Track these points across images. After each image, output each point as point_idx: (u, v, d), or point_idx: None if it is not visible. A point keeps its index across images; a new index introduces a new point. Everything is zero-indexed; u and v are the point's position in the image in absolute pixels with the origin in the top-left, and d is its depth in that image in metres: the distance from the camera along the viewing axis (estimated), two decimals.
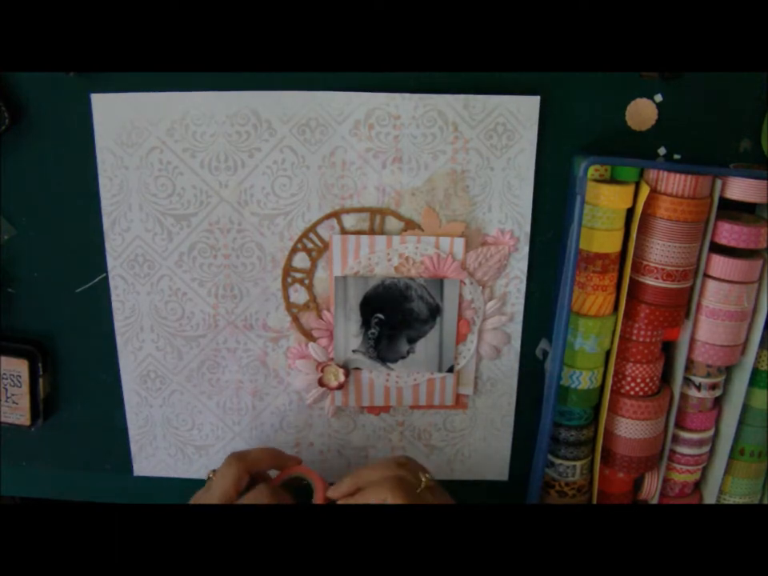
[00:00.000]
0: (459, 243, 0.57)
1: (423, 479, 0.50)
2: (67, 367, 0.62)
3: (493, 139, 0.55)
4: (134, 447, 0.64)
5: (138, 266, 0.58)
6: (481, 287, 0.58)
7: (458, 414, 0.63)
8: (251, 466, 0.52)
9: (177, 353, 0.61)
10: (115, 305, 0.59)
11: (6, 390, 0.61)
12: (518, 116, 0.54)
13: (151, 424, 0.63)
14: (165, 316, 0.59)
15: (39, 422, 0.62)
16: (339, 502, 0.51)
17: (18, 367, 0.60)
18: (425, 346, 0.59)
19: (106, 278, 0.58)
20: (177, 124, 0.54)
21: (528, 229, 0.57)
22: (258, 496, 0.50)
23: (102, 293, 0.59)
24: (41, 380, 0.61)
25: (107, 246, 0.58)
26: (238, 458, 0.52)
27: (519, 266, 0.58)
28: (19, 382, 0.60)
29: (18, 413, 0.61)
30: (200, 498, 0.52)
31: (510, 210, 0.56)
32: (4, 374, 0.60)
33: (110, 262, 0.58)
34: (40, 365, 0.61)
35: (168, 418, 0.63)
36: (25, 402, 0.61)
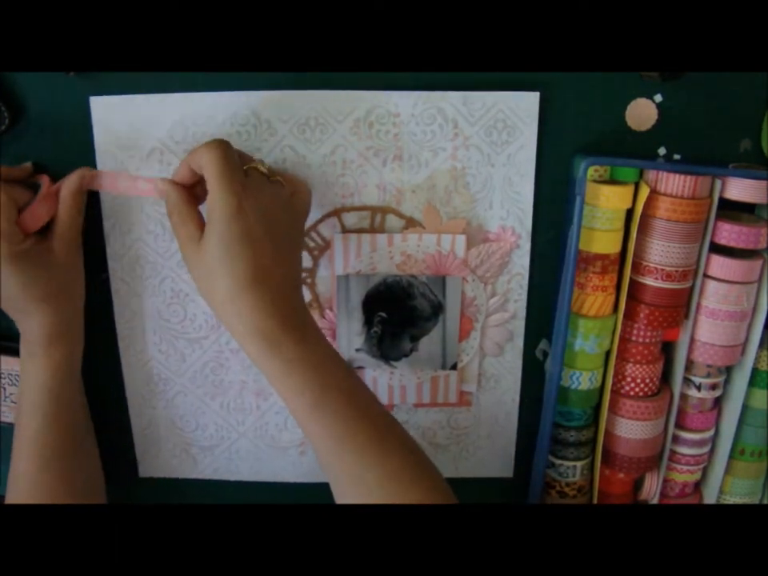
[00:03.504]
0: (461, 240, 0.57)
1: (254, 165, 0.48)
2: None
3: (493, 136, 0.55)
4: (138, 449, 0.64)
5: (140, 268, 0.58)
6: (483, 284, 0.58)
7: (462, 412, 0.63)
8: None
9: (180, 355, 0.61)
10: (117, 308, 0.59)
11: (5, 389, 0.60)
12: (517, 112, 0.54)
13: (155, 426, 0.63)
14: (167, 318, 0.59)
15: None
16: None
17: (17, 366, 0.60)
18: (428, 344, 0.59)
19: (107, 278, 0.58)
20: (177, 125, 0.54)
21: (530, 225, 0.57)
22: None
23: (102, 293, 0.59)
24: None
25: (108, 249, 0.57)
26: None
27: (521, 262, 0.58)
28: (18, 381, 0.60)
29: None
30: None
31: (511, 206, 0.56)
32: (3, 373, 0.60)
33: (111, 264, 0.58)
34: None
35: (172, 420, 0.63)
36: None
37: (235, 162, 0.46)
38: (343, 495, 0.47)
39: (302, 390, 0.45)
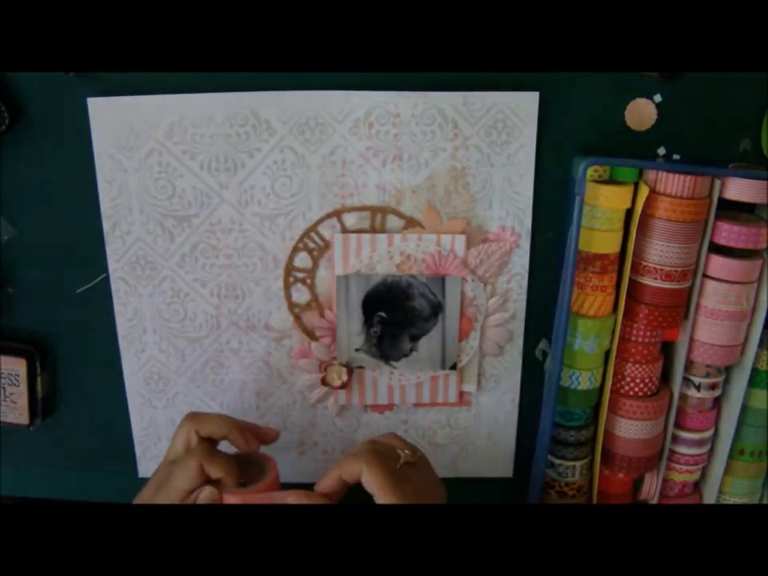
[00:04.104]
0: (460, 240, 0.57)
1: (402, 455, 0.49)
2: (67, 367, 0.62)
3: (492, 136, 0.55)
4: (138, 449, 0.64)
5: (140, 268, 0.58)
6: (483, 284, 0.58)
7: (462, 412, 0.63)
8: (202, 427, 0.50)
9: (180, 354, 0.61)
10: (117, 308, 0.59)
11: (5, 389, 0.61)
12: (517, 112, 0.54)
13: (155, 425, 0.63)
14: (167, 318, 0.59)
15: (38, 421, 0.62)
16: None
17: (16, 366, 0.60)
18: (427, 344, 0.59)
19: (107, 278, 0.58)
20: (175, 126, 0.54)
21: (529, 225, 0.57)
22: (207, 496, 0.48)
23: (103, 293, 0.59)
24: (39, 379, 0.61)
25: (108, 248, 0.57)
26: (190, 417, 0.51)
27: (521, 262, 0.58)
28: (17, 381, 0.60)
29: (17, 412, 0.61)
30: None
31: (510, 206, 0.56)
32: (2, 373, 0.60)
33: (112, 264, 0.58)
34: (38, 364, 0.61)
35: (172, 420, 0.63)
36: (23, 401, 0.61)
37: (393, 472, 0.47)
38: None
39: None
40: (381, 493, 0.46)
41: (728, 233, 0.54)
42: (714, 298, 0.56)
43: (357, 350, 0.60)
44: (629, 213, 0.55)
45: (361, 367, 0.60)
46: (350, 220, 0.57)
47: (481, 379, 0.61)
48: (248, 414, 0.62)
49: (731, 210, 0.55)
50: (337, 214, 0.57)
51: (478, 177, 0.56)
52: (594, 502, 0.63)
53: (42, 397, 0.62)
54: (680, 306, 0.56)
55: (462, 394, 0.62)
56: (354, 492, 0.63)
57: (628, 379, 0.59)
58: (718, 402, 0.61)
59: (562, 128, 0.55)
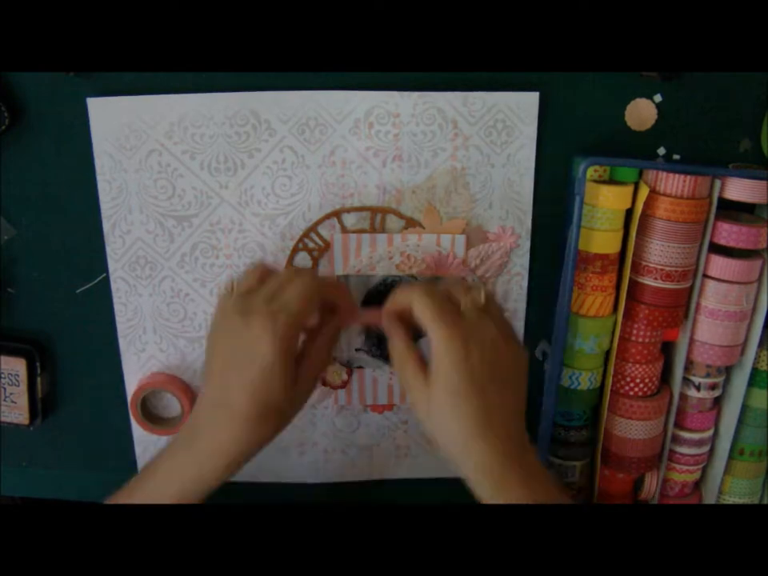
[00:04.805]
0: (460, 240, 0.57)
1: (471, 296, 0.47)
2: (67, 367, 0.62)
3: (492, 136, 0.55)
4: (138, 448, 0.64)
5: (140, 267, 0.58)
6: (483, 284, 0.58)
7: None
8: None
9: (180, 354, 0.61)
10: (117, 307, 0.59)
11: (5, 389, 0.61)
12: (517, 112, 0.54)
13: None
14: (167, 317, 0.59)
15: (38, 421, 0.62)
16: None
17: (16, 366, 0.60)
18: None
19: (107, 278, 0.58)
20: (175, 126, 0.54)
21: (529, 225, 0.57)
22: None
23: (103, 293, 0.59)
24: (39, 379, 0.61)
25: (108, 248, 0.57)
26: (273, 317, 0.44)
27: (521, 262, 0.58)
28: (17, 381, 0.60)
29: (17, 412, 0.61)
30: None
31: (510, 206, 0.56)
32: (2, 373, 0.60)
33: (112, 264, 0.58)
34: (38, 364, 0.61)
35: None
36: (23, 401, 0.61)
37: (447, 304, 0.46)
38: None
39: None
40: (434, 328, 0.45)
41: (728, 233, 0.54)
42: (714, 297, 0.56)
43: (357, 349, 0.60)
44: (629, 213, 0.55)
45: (361, 367, 0.60)
46: (350, 220, 0.57)
47: None
48: None
49: (731, 209, 0.55)
50: (336, 214, 0.56)
51: (478, 177, 0.56)
52: (595, 501, 0.63)
53: (42, 397, 0.62)
54: (680, 306, 0.56)
55: None
56: (354, 492, 0.63)
57: (628, 379, 0.58)
58: (718, 402, 0.61)
59: (562, 128, 0.55)
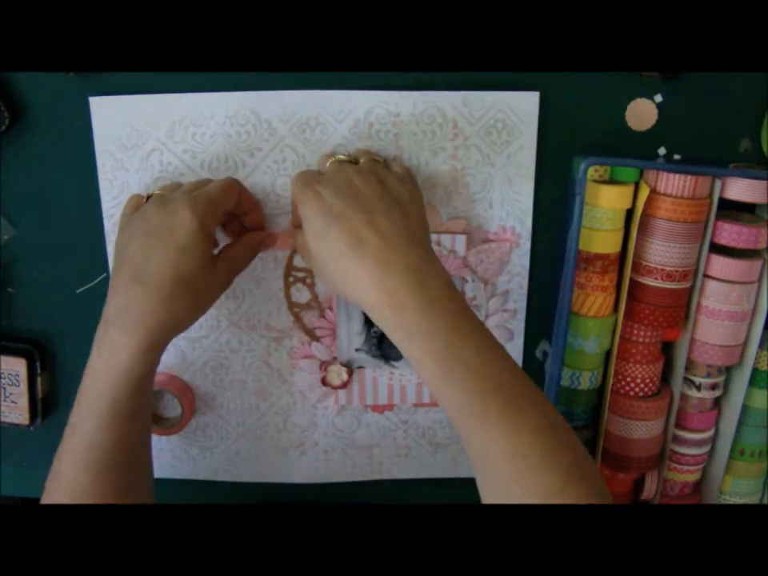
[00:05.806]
0: (461, 240, 0.57)
1: (337, 158, 0.50)
2: (67, 367, 0.62)
3: (492, 135, 0.55)
4: None
5: None
6: (483, 284, 0.58)
7: None
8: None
9: (180, 354, 0.61)
10: None
11: (5, 389, 0.61)
12: (517, 112, 0.54)
13: None
14: None
15: (38, 421, 0.62)
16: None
17: (16, 366, 0.60)
18: None
19: (107, 278, 0.58)
20: (176, 125, 0.54)
21: (529, 225, 0.57)
22: None
23: (103, 293, 0.59)
24: (39, 379, 0.61)
25: (108, 248, 0.57)
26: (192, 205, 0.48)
27: (521, 262, 0.58)
28: (17, 381, 0.60)
29: (17, 412, 0.61)
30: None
31: (510, 206, 0.56)
32: (2, 373, 0.60)
33: (112, 264, 0.58)
34: (38, 364, 0.61)
35: None
36: (23, 401, 0.61)
37: (309, 172, 0.50)
38: (474, 471, 0.45)
39: (426, 361, 0.43)
40: (292, 187, 0.49)
41: (728, 233, 0.54)
42: (715, 297, 0.56)
43: (357, 349, 0.60)
44: (629, 213, 0.55)
45: (361, 367, 0.60)
46: None
47: None
48: (248, 414, 0.62)
49: (732, 210, 0.55)
50: None
51: (478, 177, 0.56)
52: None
53: (42, 397, 0.62)
54: (681, 306, 0.56)
55: None
56: (355, 492, 0.63)
57: (629, 379, 0.58)
58: (718, 402, 0.61)
59: (562, 128, 0.55)
